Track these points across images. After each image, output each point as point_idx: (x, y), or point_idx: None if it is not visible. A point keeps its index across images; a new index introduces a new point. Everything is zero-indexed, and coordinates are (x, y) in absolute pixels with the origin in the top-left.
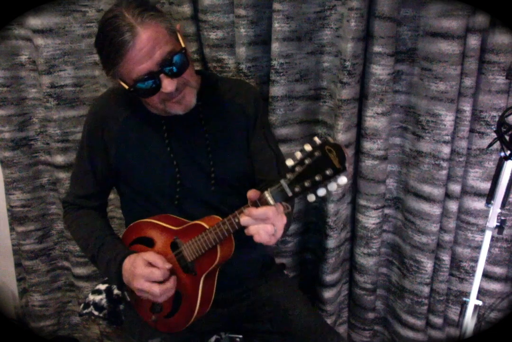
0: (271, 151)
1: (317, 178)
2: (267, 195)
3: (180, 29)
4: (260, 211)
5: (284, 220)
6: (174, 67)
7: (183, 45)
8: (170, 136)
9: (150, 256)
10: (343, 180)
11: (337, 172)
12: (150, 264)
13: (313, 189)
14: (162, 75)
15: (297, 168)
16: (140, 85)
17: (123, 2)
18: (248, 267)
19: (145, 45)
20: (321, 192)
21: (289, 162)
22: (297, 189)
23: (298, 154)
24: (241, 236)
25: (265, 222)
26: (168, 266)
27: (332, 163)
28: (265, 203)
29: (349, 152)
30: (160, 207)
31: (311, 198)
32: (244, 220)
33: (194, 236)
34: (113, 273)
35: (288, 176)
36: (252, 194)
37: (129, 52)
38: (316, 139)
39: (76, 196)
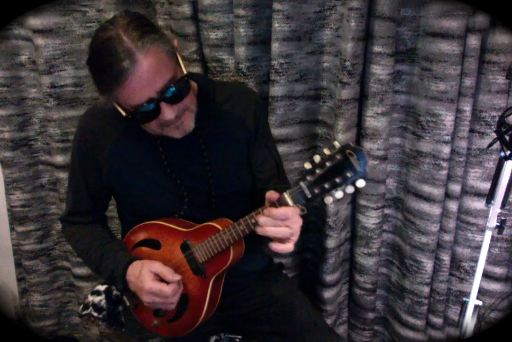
0: (273, 160)
1: (337, 180)
2: (286, 196)
3: (178, 46)
4: (281, 211)
5: (300, 222)
6: (174, 95)
7: (184, 70)
8: (168, 157)
9: (157, 268)
10: (361, 182)
11: (358, 175)
12: (158, 276)
13: (332, 191)
14: (162, 103)
15: (317, 171)
16: (139, 112)
17: (119, 20)
18: (248, 273)
19: (146, 73)
20: (339, 194)
21: (308, 165)
22: (316, 191)
23: (317, 158)
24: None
25: (284, 223)
26: (177, 278)
27: (353, 166)
28: (284, 204)
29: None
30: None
31: (329, 200)
32: (263, 219)
33: (206, 238)
34: (118, 282)
35: (308, 178)
36: (271, 195)
37: (128, 80)
38: (336, 143)
39: (72, 214)
